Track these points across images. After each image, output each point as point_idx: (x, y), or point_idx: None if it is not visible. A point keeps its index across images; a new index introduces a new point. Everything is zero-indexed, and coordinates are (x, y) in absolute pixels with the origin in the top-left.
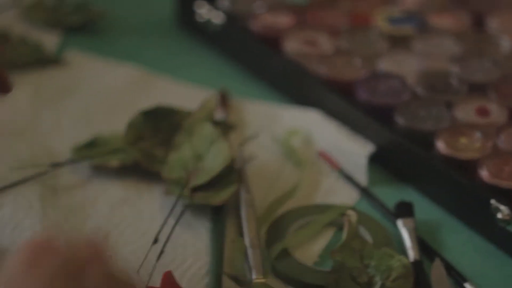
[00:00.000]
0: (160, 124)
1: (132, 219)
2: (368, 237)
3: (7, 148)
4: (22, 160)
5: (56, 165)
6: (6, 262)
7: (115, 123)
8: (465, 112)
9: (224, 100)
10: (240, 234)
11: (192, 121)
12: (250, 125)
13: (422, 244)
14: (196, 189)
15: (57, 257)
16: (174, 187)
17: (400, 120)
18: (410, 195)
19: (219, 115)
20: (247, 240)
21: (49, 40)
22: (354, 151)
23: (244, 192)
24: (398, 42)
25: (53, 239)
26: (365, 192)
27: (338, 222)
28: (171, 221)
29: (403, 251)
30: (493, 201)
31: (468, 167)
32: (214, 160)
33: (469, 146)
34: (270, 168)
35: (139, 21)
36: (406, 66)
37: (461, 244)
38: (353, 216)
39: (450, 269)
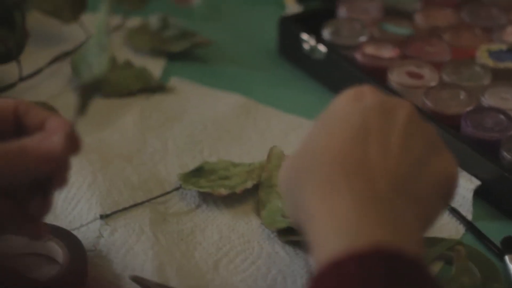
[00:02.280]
0: None
1: (241, 247)
2: (475, 271)
3: (117, 172)
4: (131, 185)
5: (165, 193)
6: (335, 100)
7: (221, 150)
8: None
9: None
10: None
11: (267, 174)
12: None
13: None
14: None
15: (376, 96)
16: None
17: (506, 154)
18: None
19: None
20: None
21: (153, 66)
22: (460, 185)
23: None
24: (501, 76)
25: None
26: (471, 226)
27: (445, 255)
28: (278, 249)
29: (510, 286)
30: None
31: None
32: None
33: None
34: None
35: (242, 49)
36: (510, 100)
37: None
38: (461, 250)
39: None
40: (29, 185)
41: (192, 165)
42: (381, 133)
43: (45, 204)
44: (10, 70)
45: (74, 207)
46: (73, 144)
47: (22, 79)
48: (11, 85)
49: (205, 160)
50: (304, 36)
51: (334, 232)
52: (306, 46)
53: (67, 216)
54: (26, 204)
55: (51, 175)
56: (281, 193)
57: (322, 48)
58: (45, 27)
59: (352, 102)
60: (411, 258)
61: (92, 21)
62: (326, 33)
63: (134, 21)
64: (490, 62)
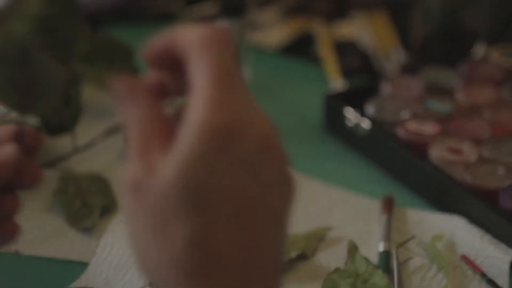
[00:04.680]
0: None
1: None
2: None
3: None
4: None
5: None
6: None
7: None
8: None
9: (388, 205)
10: None
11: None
12: (396, 229)
13: None
14: None
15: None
16: None
17: None
18: None
19: (382, 219)
20: None
21: None
22: (497, 256)
23: None
24: None
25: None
26: None
27: None
28: None
29: None
30: None
31: None
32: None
33: None
34: (416, 271)
35: (288, 124)
36: None
37: None
38: None
39: None
40: None
41: None
42: None
43: (15, 203)
44: (65, 142)
45: (124, 274)
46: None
47: (76, 150)
48: (65, 157)
49: None
50: (348, 113)
51: None
52: (349, 123)
53: (117, 282)
54: None
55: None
56: None
57: (365, 124)
58: (99, 101)
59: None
60: None
61: None
62: (369, 110)
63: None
64: None
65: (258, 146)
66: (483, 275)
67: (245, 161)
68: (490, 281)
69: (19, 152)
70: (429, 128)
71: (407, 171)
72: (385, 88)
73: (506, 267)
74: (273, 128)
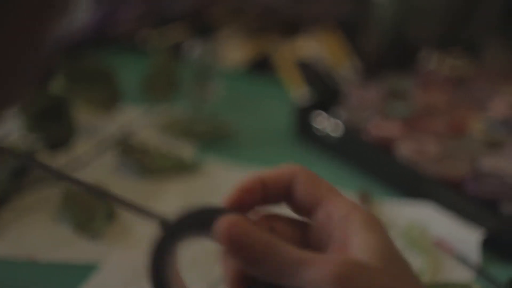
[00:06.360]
0: None
1: None
2: None
3: None
4: None
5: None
6: None
7: None
8: None
9: (365, 199)
10: None
11: None
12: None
13: None
14: None
15: None
16: None
17: (506, 209)
18: None
19: None
20: None
21: (185, 150)
22: (467, 236)
23: None
24: (494, 146)
25: None
26: (479, 271)
27: None
28: None
29: None
30: None
31: None
32: None
33: None
34: None
35: (260, 134)
36: (504, 165)
37: None
38: None
39: None
40: None
41: None
42: None
43: None
44: (63, 160)
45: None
46: None
47: (74, 166)
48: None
49: None
50: (317, 121)
51: None
52: (319, 130)
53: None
54: None
55: None
56: None
57: (333, 133)
58: (89, 120)
59: None
60: None
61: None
62: (336, 117)
63: (164, 113)
64: (482, 133)
65: None
66: (455, 255)
67: None
68: (462, 260)
69: None
70: (393, 129)
71: (379, 168)
72: (348, 97)
73: (476, 246)
74: None
